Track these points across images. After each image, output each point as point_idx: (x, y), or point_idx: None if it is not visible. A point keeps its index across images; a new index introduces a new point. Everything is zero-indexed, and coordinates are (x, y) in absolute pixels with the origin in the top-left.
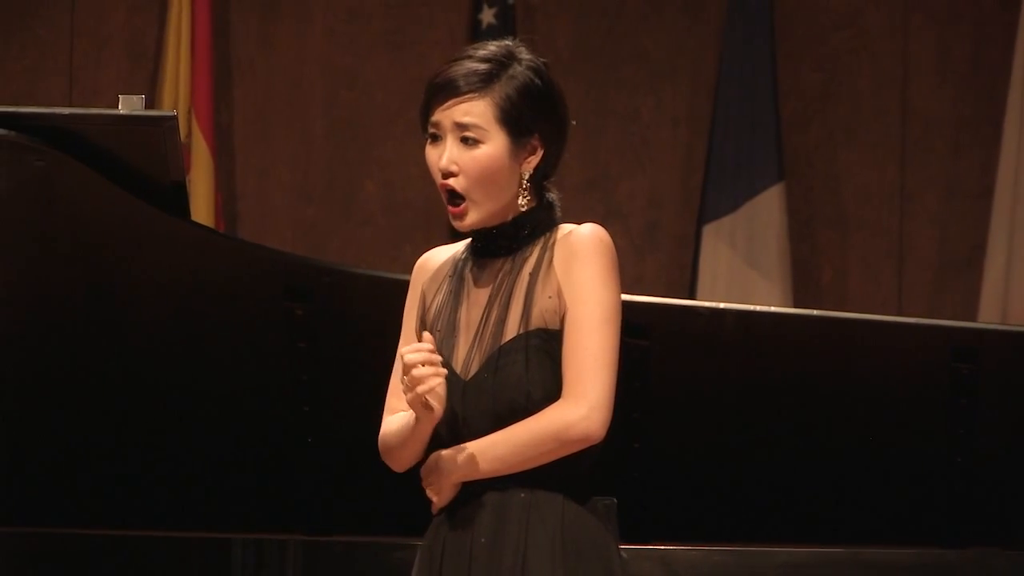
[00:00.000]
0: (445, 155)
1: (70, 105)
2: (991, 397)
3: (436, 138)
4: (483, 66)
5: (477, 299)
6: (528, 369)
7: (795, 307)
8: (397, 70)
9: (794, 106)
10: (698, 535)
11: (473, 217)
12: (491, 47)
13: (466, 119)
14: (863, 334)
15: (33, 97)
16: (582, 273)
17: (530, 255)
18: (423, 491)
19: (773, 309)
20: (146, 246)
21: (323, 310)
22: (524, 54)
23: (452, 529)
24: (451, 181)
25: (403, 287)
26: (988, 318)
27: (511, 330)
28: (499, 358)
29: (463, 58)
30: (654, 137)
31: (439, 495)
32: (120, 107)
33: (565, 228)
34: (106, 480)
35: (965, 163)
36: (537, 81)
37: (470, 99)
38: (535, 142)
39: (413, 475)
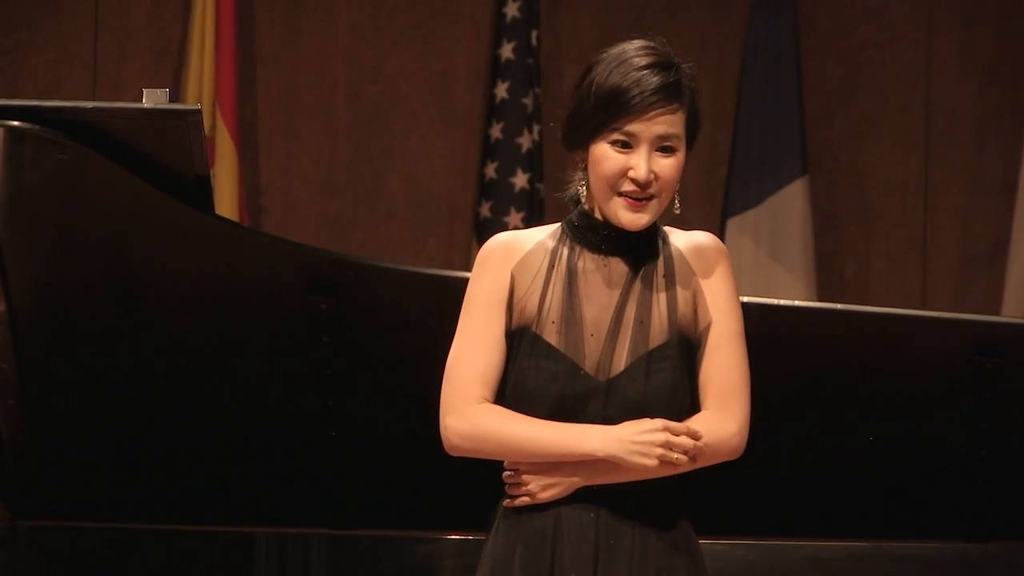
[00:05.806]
0: (644, 165)
1: (94, 99)
2: (1015, 391)
3: (626, 145)
4: (672, 75)
5: (602, 297)
6: (681, 377)
7: (819, 301)
8: (421, 64)
9: (818, 100)
10: (722, 529)
11: (651, 217)
12: (659, 49)
13: (671, 130)
14: (887, 328)
15: (57, 91)
16: (720, 285)
17: (656, 257)
18: (447, 485)
19: (797, 303)
20: (170, 240)
21: (347, 304)
22: (675, 56)
23: (568, 518)
24: (649, 189)
25: (427, 280)
26: (1012, 312)
27: (658, 334)
28: (649, 363)
29: (646, 66)
30: None
31: (552, 493)
32: (144, 101)
33: (675, 232)
34: (129, 474)
35: (988, 157)
36: (696, 86)
37: (673, 110)
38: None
39: (435, 470)
